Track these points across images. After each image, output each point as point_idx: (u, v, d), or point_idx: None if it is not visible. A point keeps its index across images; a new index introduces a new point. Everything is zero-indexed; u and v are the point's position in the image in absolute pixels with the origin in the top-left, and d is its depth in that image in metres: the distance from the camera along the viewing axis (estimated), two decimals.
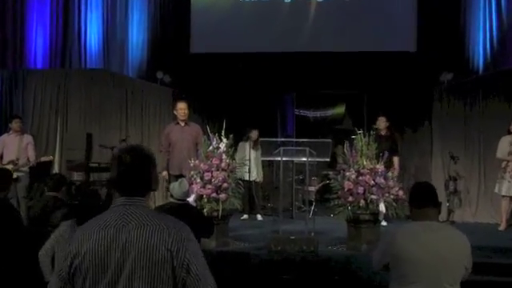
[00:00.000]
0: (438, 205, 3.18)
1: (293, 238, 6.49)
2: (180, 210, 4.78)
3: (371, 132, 7.04)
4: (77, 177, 9.39)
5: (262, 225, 8.93)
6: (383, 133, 8.84)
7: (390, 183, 6.72)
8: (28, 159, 8.48)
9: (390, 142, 8.72)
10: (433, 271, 2.87)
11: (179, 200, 4.90)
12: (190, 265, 2.00)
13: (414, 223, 3.09)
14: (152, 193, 11.28)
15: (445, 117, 10.22)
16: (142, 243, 1.98)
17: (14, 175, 8.14)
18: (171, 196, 4.95)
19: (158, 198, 9.99)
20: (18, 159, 8.34)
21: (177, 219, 2.12)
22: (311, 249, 6.32)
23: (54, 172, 9.11)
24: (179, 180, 5.06)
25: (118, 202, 2.09)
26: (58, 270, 2.10)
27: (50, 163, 9.25)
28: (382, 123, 8.89)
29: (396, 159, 8.66)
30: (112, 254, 1.98)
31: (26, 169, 8.47)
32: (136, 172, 2.09)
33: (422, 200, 3.10)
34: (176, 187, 4.89)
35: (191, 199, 6.34)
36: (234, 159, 7.23)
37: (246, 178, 9.30)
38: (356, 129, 7.10)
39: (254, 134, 9.63)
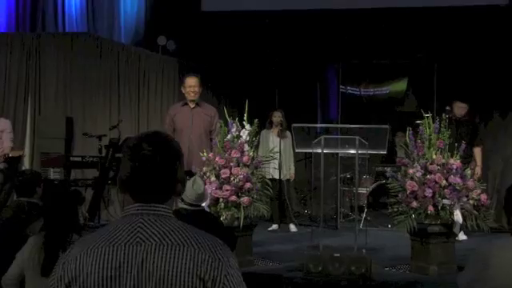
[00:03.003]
0: None
1: (337, 255, 6.47)
2: (194, 219, 4.79)
3: (444, 115, 6.95)
4: (54, 174, 9.50)
5: (296, 238, 8.94)
6: (460, 116, 8.71)
7: (469, 184, 6.64)
8: (3, 151, 8.59)
9: (469, 127, 8.57)
10: None
11: (192, 205, 4.91)
12: None
13: None
14: None
15: None
16: (164, 268, 1.90)
17: None
18: (181, 200, 4.97)
19: None
20: None
21: (213, 236, 2.05)
22: (362, 270, 6.30)
23: (24, 168, 9.21)
24: (192, 179, 5.07)
25: (131, 210, 2.01)
26: None
27: (20, 157, 9.36)
28: (462, 111, 8.67)
29: (478, 151, 8.54)
30: (122, 281, 1.91)
31: None
32: (158, 168, 2.00)
33: None
34: (188, 188, 4.90)
35: (204, 205, 6.36)
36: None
37: (276, 176, 9.30)
38: (422, 111, 7.03)
39: (277, 116, 9.59)
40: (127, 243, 1.93)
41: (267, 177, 8.88)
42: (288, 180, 9.71)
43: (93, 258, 1.93)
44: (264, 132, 9.58)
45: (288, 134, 9.51)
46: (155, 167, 2.00)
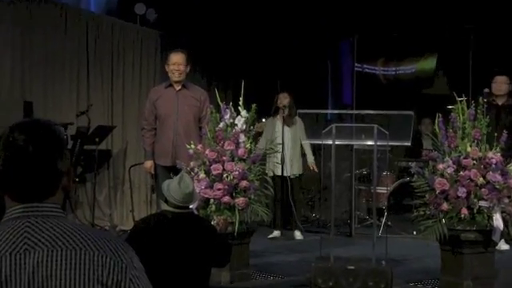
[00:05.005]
0: None
1: (352, 268, 6.50)
2: (182, 224, 4.79)
3: (481, 98, 6.95)
4: None
5: (302, 247, 8.98)
6: (501, 101, 8.75)
7: None
8: None
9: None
10: None
11: (179, 208, 4.91)
12: None
13: None
14: (130, 200, 11.36)
15: None
16: (60, 276, 1.94)
17: None
18: (165, 201, 4.96)
19: (138, 204, 10.06)
20: None
21: (112, 235, 2.10)
22: (381, 286, 6.33)
23: None
24: (179, 175, 5.04)
25: (14, 213, 2.03)
26: None
27: None
28: (501, 86, 8.75)
29: None
30: None
31: None
32: (33, 160, 2.04)
33: None
34: (174, 187, 4.88)
35: (192, 207, 6.37)
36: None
37: (278, 172, 9.32)
38: (455, 94, 7.03)
39: (284, 98, 9.59)
40: (13, 252, 1.94)
41: (268, 174, 8.91)
42: (295, 177, 9.70)
43: None
44: (268, 121, 9.60)
45: (297, 120, 9.50)
46: (29, 158, 2.03)
